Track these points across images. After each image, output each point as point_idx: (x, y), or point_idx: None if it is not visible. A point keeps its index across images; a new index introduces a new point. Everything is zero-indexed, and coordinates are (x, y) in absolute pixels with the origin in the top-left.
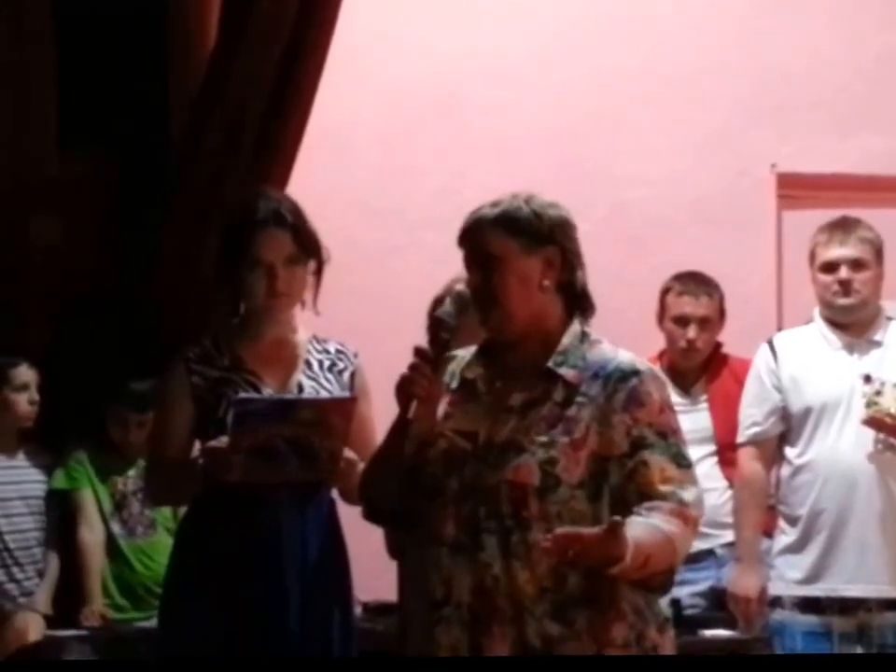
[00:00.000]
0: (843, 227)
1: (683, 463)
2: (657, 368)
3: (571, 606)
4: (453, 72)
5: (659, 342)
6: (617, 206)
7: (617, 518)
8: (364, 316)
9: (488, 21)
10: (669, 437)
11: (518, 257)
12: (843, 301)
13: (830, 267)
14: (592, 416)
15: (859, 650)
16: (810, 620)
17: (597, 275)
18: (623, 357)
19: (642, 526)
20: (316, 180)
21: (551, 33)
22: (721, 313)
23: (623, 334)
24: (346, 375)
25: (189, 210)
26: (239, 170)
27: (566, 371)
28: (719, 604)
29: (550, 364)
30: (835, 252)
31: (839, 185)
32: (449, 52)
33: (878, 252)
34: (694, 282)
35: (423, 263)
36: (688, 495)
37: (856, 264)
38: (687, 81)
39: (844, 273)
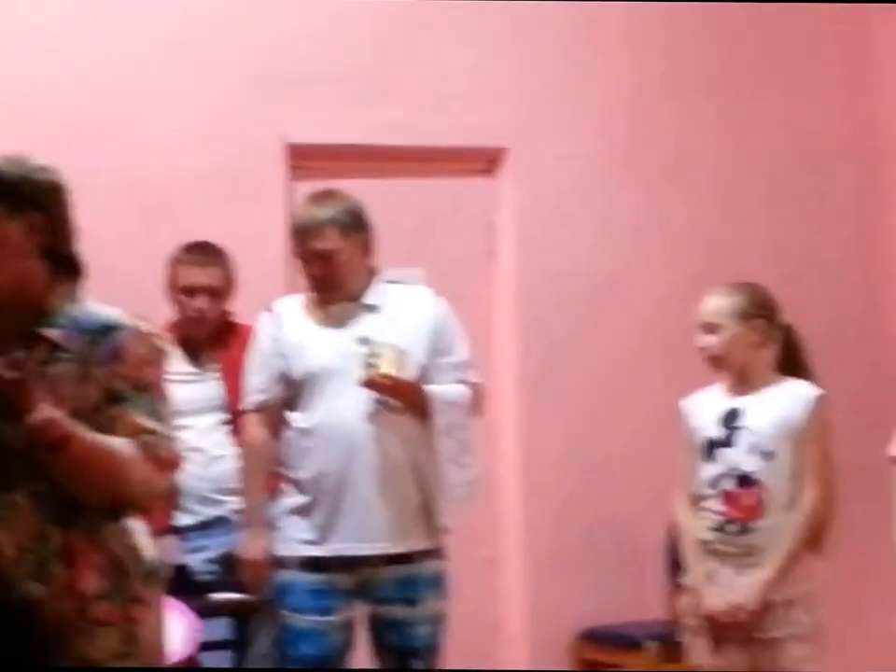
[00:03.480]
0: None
1: (159, 417)
2: (164, 333)
3: (51, 563)
4: None
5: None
6: (130, 175)
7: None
8: None
9: None
10: (147, 391)
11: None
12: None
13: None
14: (74, 372)
15: (362, 604)
16: (315, 577)
17: (111, 244)
18: (109, 313)
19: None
20: None
21: None
22: (231, 282)
23: (138, 304)
24: None
25: None
26: None
27: (50, 332)
28: (232, 569)
29: (35, 327)
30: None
31: (347, 155)
32: None
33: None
34: (203, 252)
35: None
36: (162, 443)
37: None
38: (200, 51)
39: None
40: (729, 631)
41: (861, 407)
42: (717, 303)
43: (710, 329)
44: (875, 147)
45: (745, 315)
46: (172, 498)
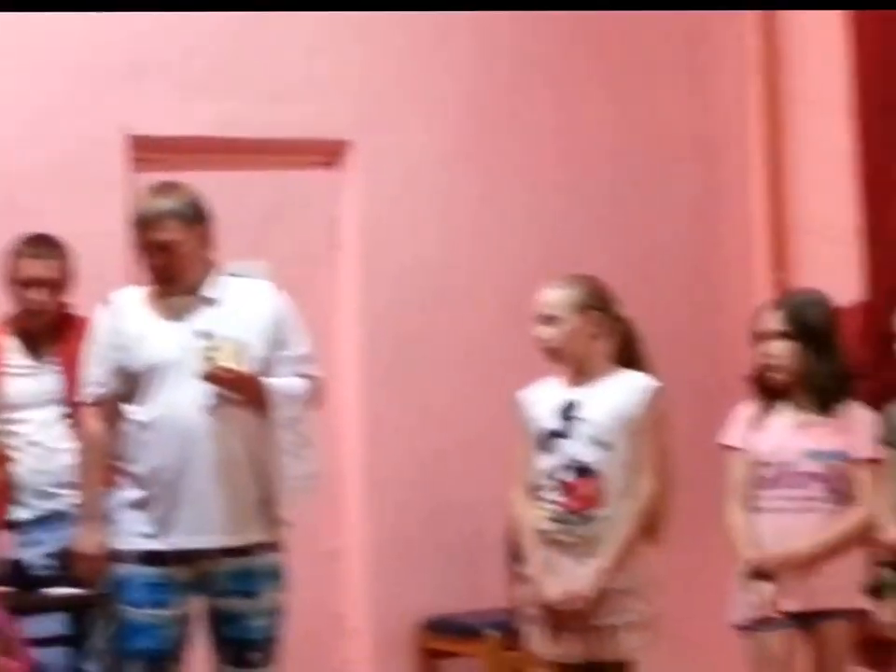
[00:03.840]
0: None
1: None
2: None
3: None
4: None
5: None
6: None
7: None
8: None
9: None
10: None
11: None
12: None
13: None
14: None
15: (200, 598)
16: (153, 571)
17: None
18: None
19: None
20: None
21: None
22: (70, 274)
23: None
24: None
25: None
26: None
27: None
28: (70, 564)
29: None
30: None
31: (190, 147)
32: None
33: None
34: (43, 244)
35: None
36: None
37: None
38: (37, 43)
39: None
40: (567, 619)
41: (700, 398)
42: (554, 295)
43: (548, 320)
44: (715, 143)
45: (582, 308)
46: (5, 493)
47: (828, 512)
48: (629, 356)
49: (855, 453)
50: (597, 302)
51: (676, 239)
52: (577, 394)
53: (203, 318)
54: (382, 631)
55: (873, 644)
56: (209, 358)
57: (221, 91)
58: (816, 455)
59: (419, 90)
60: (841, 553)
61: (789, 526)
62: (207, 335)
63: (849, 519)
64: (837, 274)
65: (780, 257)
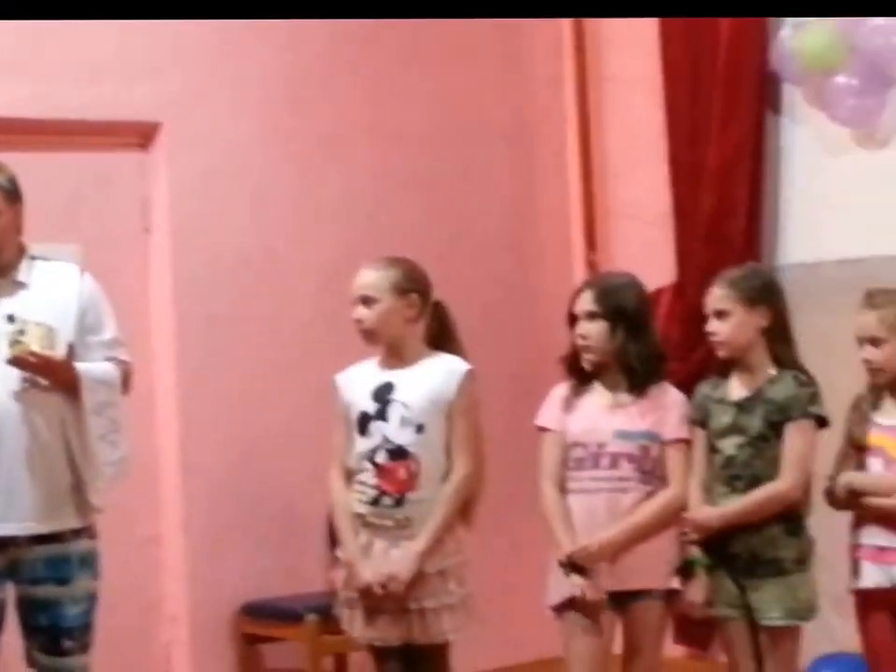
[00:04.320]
0: None
1: None
2: None
3: None
4: None
5: None
6: None
7: None
8: None
9: None
10: None
11: None
12: None
13: None
14: None
15: (11, 585)
16: None
17: None
18: None
19: None
20: None
21: None
22: None
23: None
24: None
25: None
26: None
27: None
28: None
29: None
30: None
31: None
32: None
33: (9, 196)
34: None
35: None
36: None
37: None
38: None
39: None
40: (383, 602)
41: (518, 381)
42: (371, 277)
43: (365, 301)
44: (530, 125)
45: (399, 289)
46: None
47: (638, 493)
48: (442, 338)
49: (665, 434)
50: (414, 285)
51: (492, 221)
52: (392, 376)
53: (11, 302)
54: (200, 617)
55: (688, 622)
56: (17, 343)
57: (29, 72)
58: (626, 435)
59: (231, 72)
60: (652, 535)
61: (600, 507)
62: (15, 319)
63: (660, 500)
64: (650, 256)
65: (595, 239)
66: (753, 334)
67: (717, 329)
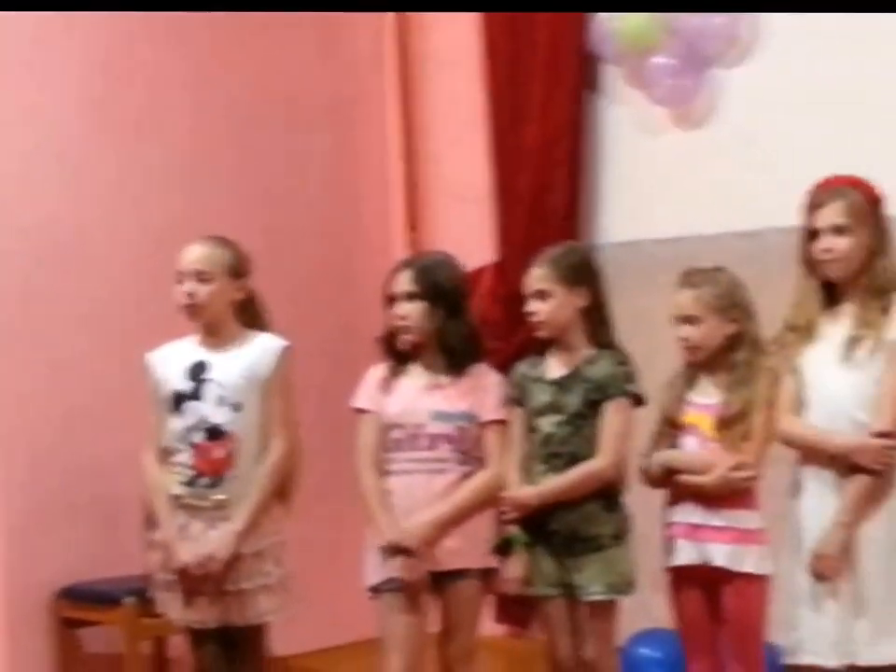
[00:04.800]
0: None
1: None
2: None
3: None
4: None
5: None
6: None
7: None
8: None
9: None
10: None
11: None
12: None
13: None
14: None
15: None
16: None
17: None
18: None
19: None
20: None
21: None
22: None
23: None
24: None
25: None
26: None
27: None
28: None
29: None
30: None
31: None
32: None
33: None
34: None
35: None
36: None
37: None
38: None
39: None
40: (200, 584)
41: (336, 361)
42: (206, 253)
43: (198, 276)
44: (351, 103)
45: (233, 272)
46: None
47: (457, 474)
48: (251, 317)
49: (483, 415)
50: (245, 268)
51: (313, 200)
52: (206, 355)
53: None
54: (15, 600)
55: (509, 602)
56: None
57: None
58: (444, 416)
59: (46, 45)
60: (472, 515)
61: (418, 488)
62: None
63: (477, 481)
64: (471, 235)
65: (416, 218)
66: (573, 314)
67: (537, 308)
